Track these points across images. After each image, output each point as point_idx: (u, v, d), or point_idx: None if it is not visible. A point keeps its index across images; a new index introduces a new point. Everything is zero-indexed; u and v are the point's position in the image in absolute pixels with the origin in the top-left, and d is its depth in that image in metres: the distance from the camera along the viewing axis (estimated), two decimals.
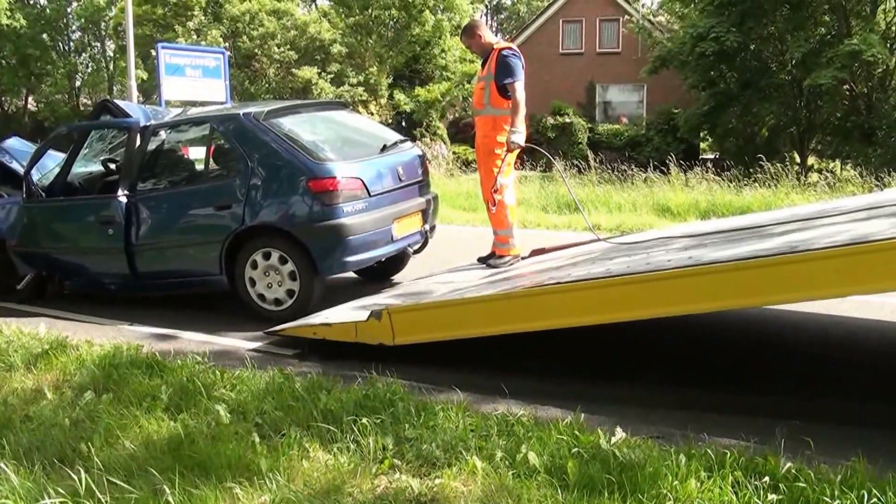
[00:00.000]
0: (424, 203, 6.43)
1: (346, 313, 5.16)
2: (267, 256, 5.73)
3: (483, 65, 6.06)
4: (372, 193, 5.82)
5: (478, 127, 6.11)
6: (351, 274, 6.65)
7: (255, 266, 5.76)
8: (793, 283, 3.51)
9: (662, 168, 13.45)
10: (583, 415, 3.56)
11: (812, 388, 4.23)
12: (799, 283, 3.50)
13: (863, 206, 5.18)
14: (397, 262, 6.79)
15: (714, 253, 4.21)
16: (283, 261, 5.70)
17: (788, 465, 2.95)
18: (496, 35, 6.52)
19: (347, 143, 6.42)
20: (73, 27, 33.95)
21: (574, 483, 2.93)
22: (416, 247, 6.51)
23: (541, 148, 6.52)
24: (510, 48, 5.91)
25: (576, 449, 3.16)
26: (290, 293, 5.72)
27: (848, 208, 5.23)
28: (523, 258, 6.14)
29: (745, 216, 7.74)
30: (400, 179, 6.14)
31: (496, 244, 6.07)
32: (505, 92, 5.78)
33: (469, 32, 6.11)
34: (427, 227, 6.45)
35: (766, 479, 2.87)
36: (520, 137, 5.72)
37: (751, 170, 13.63)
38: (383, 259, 6.18)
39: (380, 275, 6.78)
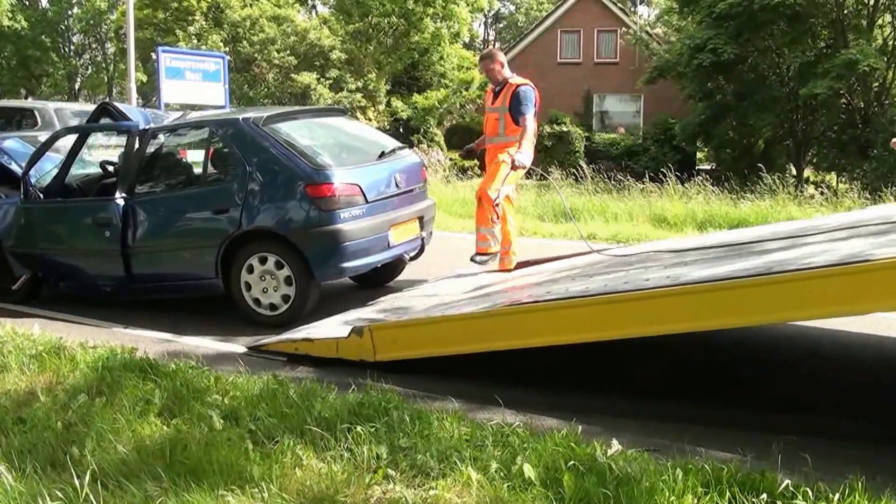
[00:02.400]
0: (421, 210, 6.43)
1: (329, 329, 5.16)
2: (263, 261, 5.71)
3: (496, 96, 6.37)
4: (369, 200, 5.81)
5: (489, 151, 6.40)
6: (347, 280, 6.64)
7: (250, 270, 5.73)
8: (768, 304, 3.55)
9: (659, 178, 13.45)
10: (579, 426, 3.54)
11: (808, 402, 4.21)
12: (774, 305, 3.54)
13: (844, 225, 5.24)
14: (393, 268, 6.77)
15: (694, 272, 4.23)
16: (278, 266, 5.68)
17: (786, 481, 2.93)
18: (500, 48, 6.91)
19: (345, 150, 6.42)
20: (74, 30, 33.98)
21: (570, 496, 2.91)
22: (412, 253, 6.49)
23: (545, 174, 6.77)
24: (527, 84, 6.28)
25: (571, 461, 3.13)
26: (285, 298, 5.70)
27: (829, 227, 5.29)
28: (509, 271, 6.22)
29: (729, 232, 7.82)
30: (397, 186, 6.14)
31: (478, 242, 6.26)
32: (519, 122, 6.12)
33: (492, 58, 6.44)
34: (424, 233, 6.44)
35: (764, 495, 2.85)
36: (525, 159, 5.97)
37: (747, 182, 13.65)
38: (379, 266, 6.16)
39: (375, 281, 6.76)
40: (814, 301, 3.46)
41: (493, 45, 50.66)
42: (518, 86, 6.25)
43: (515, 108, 6.17)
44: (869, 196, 12.33)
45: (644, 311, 3.85)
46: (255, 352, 5.14)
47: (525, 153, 5.97)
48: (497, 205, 6.02)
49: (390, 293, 6.37)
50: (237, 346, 5.30)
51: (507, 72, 6.42)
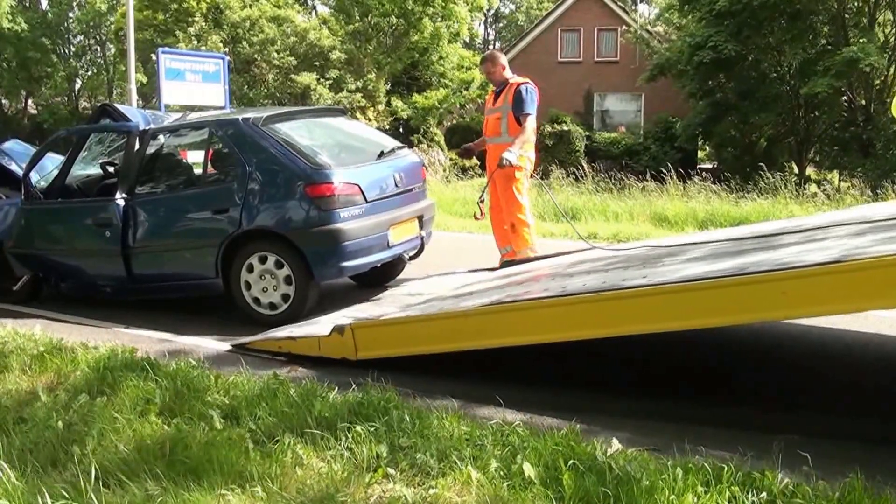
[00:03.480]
0: (421, 209, 6.43)
1: (314, 327, 5.20)
2: (263, 261, 5.72)
3: (497, 96, 6.50)
4: (368, 199, 5.81)
5: (490, 151, 6.51)
6: (347, 280, 6.64)
7: (250, 270, 5.74)
8: (738, 305, 3.61)
9: (660, 177, 13.44)
10: (578, 425, 3.53)
11: (809, 402, 4.21)
12: (745, 306, 3.60)
13: (820, 225, 5.32)
14: (393, 268, 6.76)
15: (669, 273, 4.30)
16: (278, 265, 5.68)
17: (786, 480, 2.93)
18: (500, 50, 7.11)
19: (345, 149, 6.42)
20: (75, 31, 34.00)
21: (570, 495, 2.90)
22: (411, 253, 6.49)
23: (544, 174, 6.96)
24: (528, 82, 6.40)
25: (571, 460, 3.13)
26: (285, 298, 5.71)
27: (807, 226, 5.37)
28: (493, 269, 6.28)
29: (713, 231, 7.92)
30: (397, 186, 6.14)
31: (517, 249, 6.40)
32: (521, 121, 6.26)
33: (493, 61, 6.58)
34: (423, 233, 6.44)
35: (764, 494, 2.84)
36: (512, 157, 6.08)
37: (749, 180, 13.64)
38: (379, 265, 6.16)
39: (375, 281, 6.75)
40: (786, 302, 3.51)
41: (494, 46, 50.69)
42: (519, 84, 6.36)
43: (518, 107, 6.28)
44: (871, 194, 12.32)
45: (619, 310, 3.92)
46: (240, 350, 5.16)
47: (514, 153, 6.10)
48: (528, 224, 6.38)
49: (371, 298, 6.35)
50: None
51: (507, 73, 6.53)
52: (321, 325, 5.14)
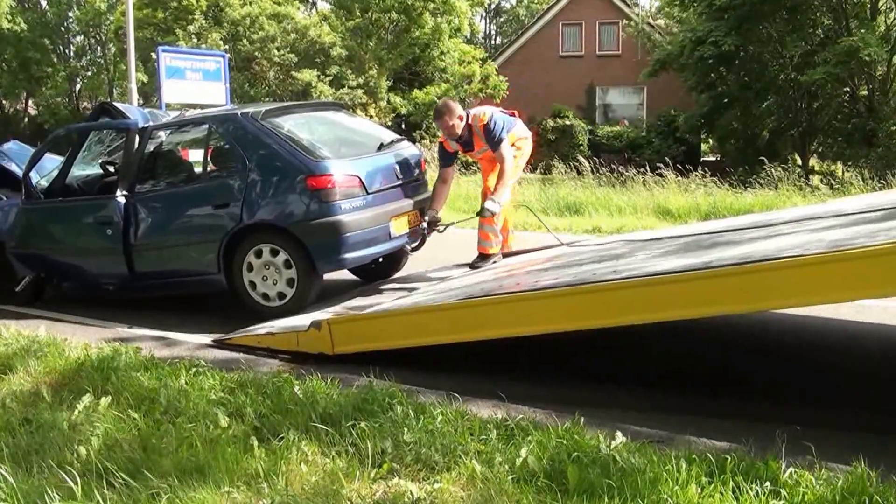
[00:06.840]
0: (422, 201, 6.42)
1: (293, 322, 5.25)
2: (264, 254, 5.72)
3: (470, 141, 6.07)
4: (369, 191, 5.81)
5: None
6: (349, 275, 6.64)
7: (252, 264, 5.75)
8: (700, 298, 3.73)
9: (661, 170, 13.42)
10: (582, 419, 3.54)
11: (813, 393, 4.21)
12: (707, 299, 3.72)
13: (792, 219, 5.36)
14: (395, 262, 6.76)
15: (640, 267, 4.38)
16: (280, 258, 5.69)
17: (790, 470, 2.93)
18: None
19: (344, 143, 6.42)
20: (74, 31, 34.00)
21: (574, 488, 2.91)
22: (413, 244, 6.49)
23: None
24: (485, 113, 5.96)
25: (575, 453, 3.14)
26: (287, 290, 5.72)
27: (779, 220, 5.42)
28: (473, 265, 6.23)
29: (691, 225, 8.04)
30: (397, 177, 6.14)
31: (480, 241, 6.23)
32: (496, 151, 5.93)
33: (450, 112, 5.98)
34: (425, 224, 6.43)
35: (768, 484, 2.85)
36: (495, 207, 5.88)
37: (752, 173, 13.61)
38: (381, 258, 6.16)
39: (377, 274, 6.74)
40: (746, 296, 3.61)
41: (495, 40, 50.35)
42: (481, 121, 5.93)
43: (491, 142, 5.92)
44: (874, 184, 12.29)
45: (587, 304, 4.02)
46: (221, 345, 5.19)
47: (498, 202, 5.86)
48: (495, 214, 5.96)
49: (355, 295, 6.32)
50: None
51: (463, 123, 6.02)
52: (301, 321, 5.18)
